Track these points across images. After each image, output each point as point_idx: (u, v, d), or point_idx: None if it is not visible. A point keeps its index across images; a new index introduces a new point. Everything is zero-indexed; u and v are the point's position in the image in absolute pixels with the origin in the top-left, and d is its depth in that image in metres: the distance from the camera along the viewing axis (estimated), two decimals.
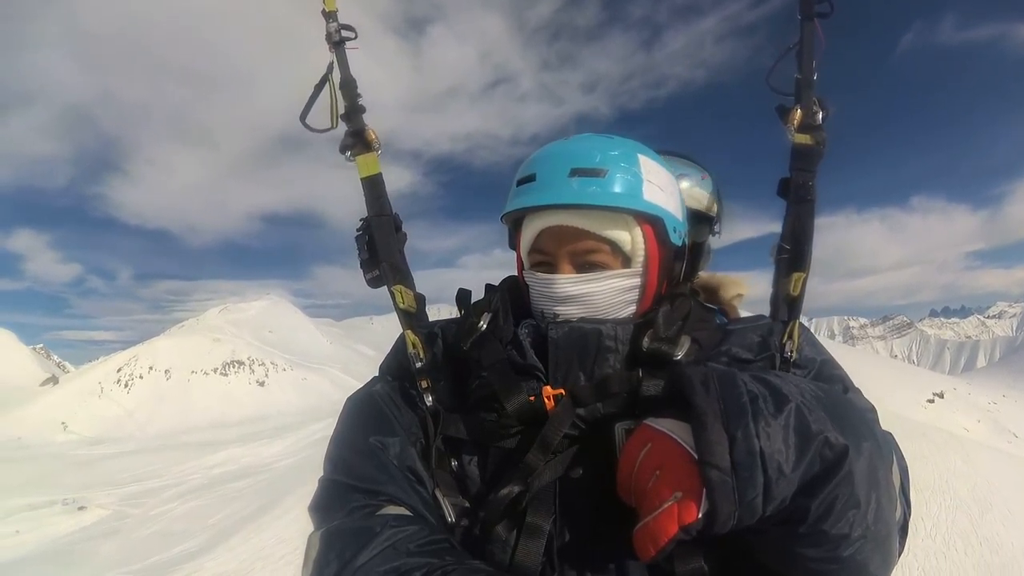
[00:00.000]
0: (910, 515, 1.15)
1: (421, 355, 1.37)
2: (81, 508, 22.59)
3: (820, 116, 1.50)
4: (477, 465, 1.27)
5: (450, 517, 1.21)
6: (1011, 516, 10.11)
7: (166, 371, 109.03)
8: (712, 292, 1.56)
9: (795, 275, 1.41)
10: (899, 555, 1.05)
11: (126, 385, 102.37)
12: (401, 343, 1.46)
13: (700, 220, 1.79)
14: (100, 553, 15.98)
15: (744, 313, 1.52)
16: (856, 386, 1.32)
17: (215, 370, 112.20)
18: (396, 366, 1.46)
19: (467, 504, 1.24)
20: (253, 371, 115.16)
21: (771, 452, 0.90)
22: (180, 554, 14.44)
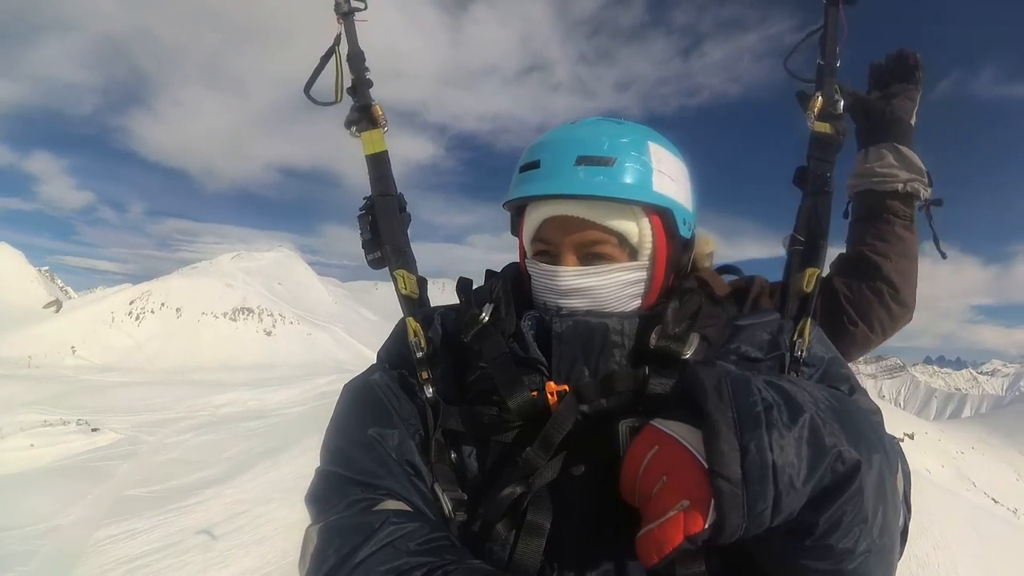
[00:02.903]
0: (910, 520, 1.12)
1: (422, 344, 1.35)
2: (95, 430, 22.87)
3: (841, 104, 1.49)
4: (476, 458, 1.25)
5: (448, 512, 1.20)
6: (943, 542, 11.66)
7: (177, 309, 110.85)
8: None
9: (808, 271, 1.38)
10: (898, 560, 1.04)
11: (137, 318, 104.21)
12: (400, 330, 1.44)
13: None
14: (118, 473, 16.42)
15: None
16: (863, 386, 1.29)
17: (225, 314, 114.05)
18: (395, 354, 1.42)
19: (466, 498, 1.22)
20: (261, 320, 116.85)
21: (783, 465, 0.88)
22: (199, 480, 14.92)
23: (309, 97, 1.63)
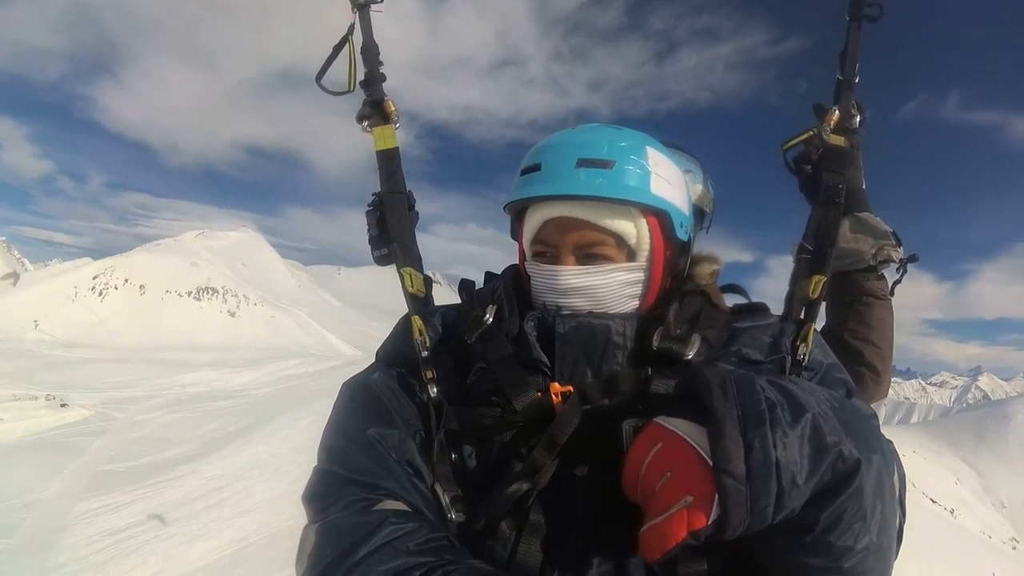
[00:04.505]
0: (904, 521, 1.12)
1: (427, 343, 1.34)
2: (64, 405, 22.70)
3: (857, 120, 1.50)
4: (477, 458, 1.24)
5: (449, 512, 1.19)
6: None
7: (141, 286, 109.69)
8: (688, 270, 1.50)
9: (815, 278, 1.36)
10: (895, 560, 1.05)
11: (100, 294, 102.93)
12: (402, 329, 1.42)
13: (698, 214, 1.82)
14: (91, 449, 16.57)
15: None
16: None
17: (189, 293, 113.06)
18: (396, 353, 1.41)
19: (467, 498, 1.21)
20: (226, 301, 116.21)
21: (786, 463, 0.88)
22: (174, 457, 15.21)
23: (321, 86, 1.62)
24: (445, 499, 1.20)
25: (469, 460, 1.25)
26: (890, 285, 1.84)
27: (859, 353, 1.79)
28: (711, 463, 0.90)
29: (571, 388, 1.18)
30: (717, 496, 0.88)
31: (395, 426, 1.25)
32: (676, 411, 1.02)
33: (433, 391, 1.30)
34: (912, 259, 1.80)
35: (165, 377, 32.78)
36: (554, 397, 1.17)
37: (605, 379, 1.19)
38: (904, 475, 1.11)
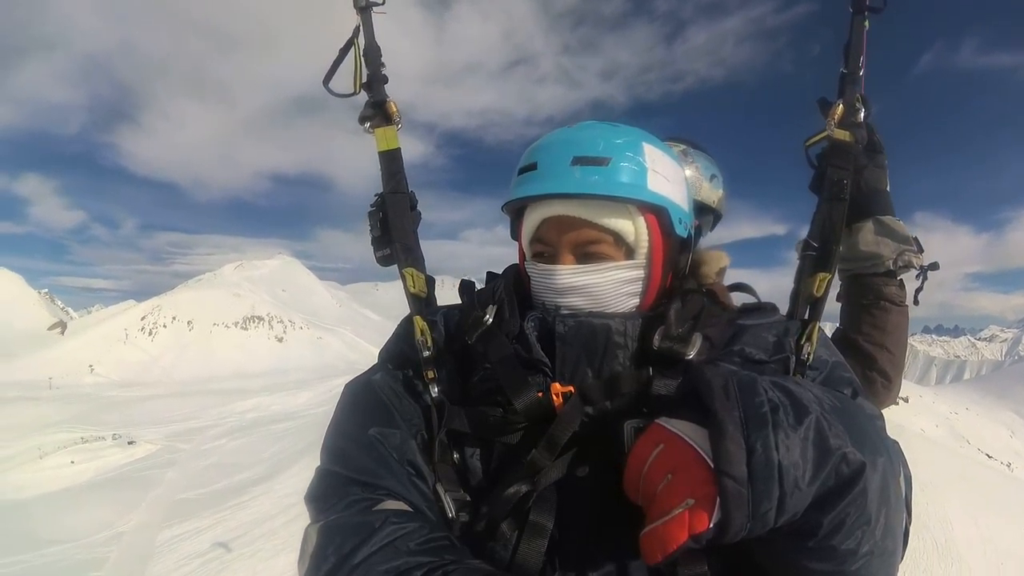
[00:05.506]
0: (910, 523, 1.11)
1: (429, 344, 1.33)
2: (131, 443, 23.47)
3: (862, 114, 1.48)
4: (479, 459, 1.24)
5: (451, 512, 1.19)
6: (937, 496, 13.26)
7: (188, 322, 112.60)
8: (694, 268, 1.47)
9: (820, 275, 1.35)
10: (900, 563, 1.04)
11: (150, 333, 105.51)
12: (404, 329, 1.42)
13: (705, 212, 1.96)
14: (165, 480, 17.08)
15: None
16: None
17: (235, 324, 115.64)
18: (398, 353, 1.41)
19: (468, 499, 1.22)
20: (272, 327, 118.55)
21: (788, 465, 0.87)
22: (244, 480, 15.66)
23: (328, 89, 1.60)
24: (446, 499, 1.20)
25: (471, 460, 1.24)
26: (908, 291, 1.82)
27: (872, 358, 1.78)
28: (713, 465, 0.89)
29: (572, 388, 1.17)
30: (719, 499, 0.87)
31: (396, 426, 1.24)
32: (678, 412, 1.01)
33: (435, 391, 1.30)
34: (933, 267, 1.78)
35: (223, 406, 33.48)
36: (555, 398, 1.16)
37: (606, 379, 1.18)
38: (910, 476, 1.10)
